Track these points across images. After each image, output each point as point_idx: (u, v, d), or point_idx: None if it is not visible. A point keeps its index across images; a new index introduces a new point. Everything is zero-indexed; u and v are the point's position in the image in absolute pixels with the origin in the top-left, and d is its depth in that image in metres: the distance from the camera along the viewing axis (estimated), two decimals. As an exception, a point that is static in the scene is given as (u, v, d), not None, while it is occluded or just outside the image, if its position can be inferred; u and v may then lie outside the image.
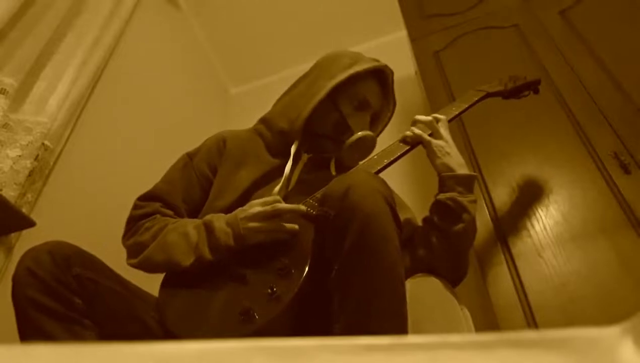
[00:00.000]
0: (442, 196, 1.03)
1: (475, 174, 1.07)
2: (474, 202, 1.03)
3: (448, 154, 1.06)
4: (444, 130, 1.10)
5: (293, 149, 1.19)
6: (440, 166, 1.06)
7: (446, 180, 1.04)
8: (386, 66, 1.25)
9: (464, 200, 1.01)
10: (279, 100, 1.31)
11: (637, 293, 1.00)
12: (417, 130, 1.09)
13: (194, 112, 2.49)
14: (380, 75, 1.27)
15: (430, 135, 1.09)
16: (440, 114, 1.16)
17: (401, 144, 1.10)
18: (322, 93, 1.16)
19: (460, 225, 1.00)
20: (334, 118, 1.20)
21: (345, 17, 2.65)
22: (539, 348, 0.28)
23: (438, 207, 1.03)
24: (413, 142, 1.10)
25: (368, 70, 1.20)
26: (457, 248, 1.02)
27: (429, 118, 1.11)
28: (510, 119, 1.42)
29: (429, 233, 1.03)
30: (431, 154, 1.07)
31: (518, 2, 1.76)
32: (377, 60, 1.24)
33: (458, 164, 1.06)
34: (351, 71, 1.18)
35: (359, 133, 1.16)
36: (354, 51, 1.28)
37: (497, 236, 1.22)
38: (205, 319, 0.89)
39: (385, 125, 1.34)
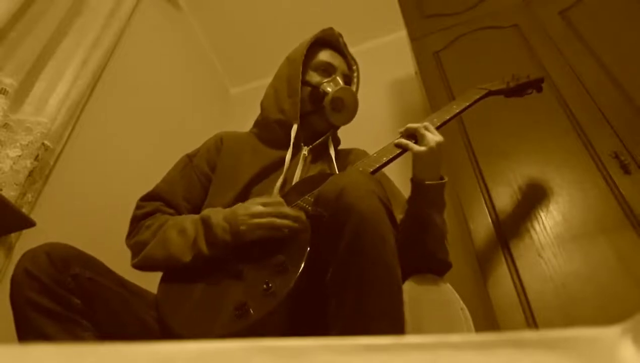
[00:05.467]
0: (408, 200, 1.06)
1: (445, 180, 1.05)
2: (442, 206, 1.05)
3: (427, 161, 1.03)
4: (431, 135, 1.04)
5: (293, 133, 1.22)
6: (415, 172, 1.05)
7: (414, 185, 1.05)
8: (331, 28, 1.37)
9: (426, 209, 1.02)
10: (261, 105, 1.36)
11: (637, 293, 1.00)
12: (403, 141, 1.06)
13: (194, 112, 2.49)
14: (332, 44, 1.38)
15: (416, 141, 1.06)
16: (441, 112, 1.15)
17: (395, 147, 1.10)
18: (298, 70, 1.27)
19: (422, 228, 1.02)
20: (307, 92, 1.28)
21: (345, 17, 2.64)
22: (539, 348, 0.28)
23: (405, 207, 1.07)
24: (402, 148, 1.09)
25: (319, 37, 1.34)
26: (422, 244, 1.03)
27: (417, 125, 1.09)
28: (511, 119, 1.42)
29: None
30: (413, 160, 1.05)
31: (518, 2, 1.76)
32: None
33: (434, 172, 1.04)
34: (307, 44, 1.30)
35: (335, 88, 1.24)
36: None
37: (497, 236, 1.22)
38: (201, 314, 0.90)
39: (358, 86, 1.40)
